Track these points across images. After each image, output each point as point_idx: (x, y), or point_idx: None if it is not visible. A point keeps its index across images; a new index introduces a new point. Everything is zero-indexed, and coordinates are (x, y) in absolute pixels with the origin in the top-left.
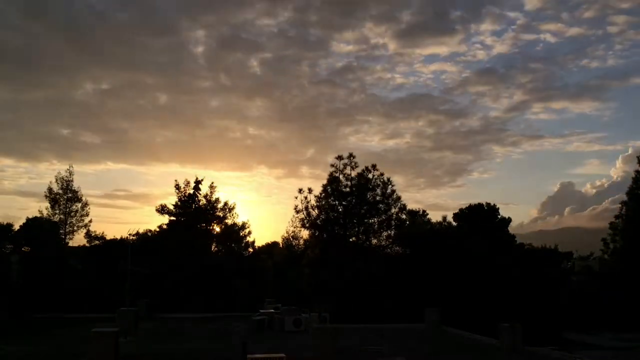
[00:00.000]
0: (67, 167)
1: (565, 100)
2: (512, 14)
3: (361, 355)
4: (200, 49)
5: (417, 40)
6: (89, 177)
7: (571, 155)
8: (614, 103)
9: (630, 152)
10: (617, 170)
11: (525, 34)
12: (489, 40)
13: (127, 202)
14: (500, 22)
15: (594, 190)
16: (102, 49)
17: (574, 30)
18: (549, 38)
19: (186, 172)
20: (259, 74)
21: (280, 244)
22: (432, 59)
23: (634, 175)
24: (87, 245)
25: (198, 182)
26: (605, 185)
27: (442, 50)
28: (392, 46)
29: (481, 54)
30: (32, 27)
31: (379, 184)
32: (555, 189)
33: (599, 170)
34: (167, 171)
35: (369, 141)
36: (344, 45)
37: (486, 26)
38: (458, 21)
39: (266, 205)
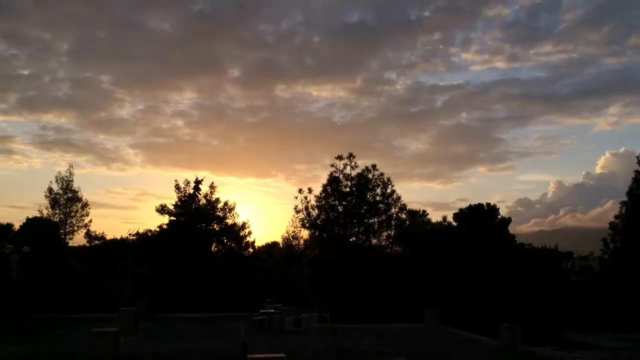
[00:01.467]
0: (67, 168)
1: (551, 115)
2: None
3: (361, 355)
4: (234, 75)
5: (424, 70)
6: (124, 181)
7: (556, 162)
8: (595, 118)
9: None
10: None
11: (513, 62)
12: (481, 68)
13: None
14: (488, 53)
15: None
16: (147, 77)
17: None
18: (531, 65)
19: (213, 178)
20: (285, 96)
21: (280, 244)
22: (436, 79)
23: (634, 175)
24: (87, 245)
25: (198, 182)
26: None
27: (445, 74)
28: (403, 77)
29: (475, 78)
30: (86, 62)
31: (379, 184)
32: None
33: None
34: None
35: (378, 149)
36: (363, 72)
37: (479, 57)
38: (454, 54)
39: (280, 207)
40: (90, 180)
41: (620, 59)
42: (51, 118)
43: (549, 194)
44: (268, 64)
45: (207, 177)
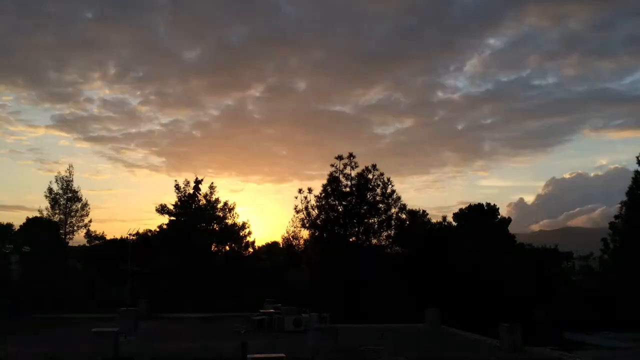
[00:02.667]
0: (67, 167)
1: (539, 126)
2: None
3: (361, 355)
4: (256, 95)
5: (424, 88)
6: (149, 186)
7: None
8: (576, 131)
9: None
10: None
11: (502, 81)
12: (473, 87)
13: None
14: (479, 75)
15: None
16: (175, 96)
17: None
18: (517, 84)
19: (232, 182)
20: (301, 111)
21: (280, 244)
22: (435, 96)
23: (633, 176)
24: (87, 245)
25: (198, 182)
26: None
27: (443, 91)
28: (405, 96)
29: (469, 94)
30: (119, 84)
31: (379, 184)
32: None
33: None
34: (217, 182)
35: (382, 155)
36: (371, 92)
37: (472, 79)
38: (450, 77)
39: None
40: (117, 184)
41: (597, 79)
42: (86, 132)
43: (547, 196)
44: (287, 86)
45: (231, 181)
